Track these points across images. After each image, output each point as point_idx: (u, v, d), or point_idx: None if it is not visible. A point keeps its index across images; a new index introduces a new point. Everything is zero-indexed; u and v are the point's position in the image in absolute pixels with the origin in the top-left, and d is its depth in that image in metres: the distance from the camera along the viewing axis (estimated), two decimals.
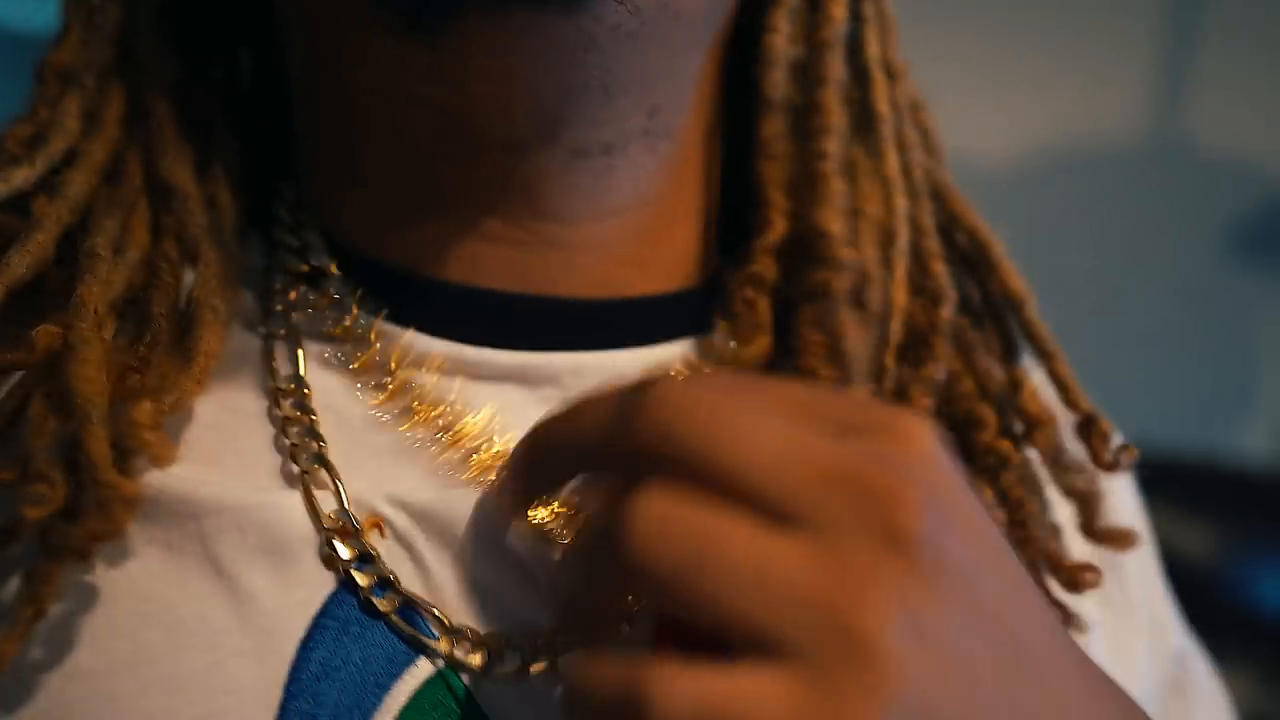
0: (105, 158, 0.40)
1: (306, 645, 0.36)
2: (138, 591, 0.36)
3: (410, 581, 0.38)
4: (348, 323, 0.41)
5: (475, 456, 0.40)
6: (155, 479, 0.37)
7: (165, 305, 0.39)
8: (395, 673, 0.37)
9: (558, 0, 0.36)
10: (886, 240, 0.45)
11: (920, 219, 0.46)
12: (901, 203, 0.45)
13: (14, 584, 0.36)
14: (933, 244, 0.46)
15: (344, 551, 0.37)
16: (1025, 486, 0.44)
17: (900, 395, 0.44)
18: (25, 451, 0.35)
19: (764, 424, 0.31)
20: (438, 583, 0.38)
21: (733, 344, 0.43)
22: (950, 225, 0.48)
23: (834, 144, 0.44)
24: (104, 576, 0.36)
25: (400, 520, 0.38)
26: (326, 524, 0.38)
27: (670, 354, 0.44)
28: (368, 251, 0.42)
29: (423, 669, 0.37)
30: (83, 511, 0.34)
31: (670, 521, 0.30)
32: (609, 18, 0.37)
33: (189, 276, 0.40)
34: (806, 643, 0.28)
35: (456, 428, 0.40)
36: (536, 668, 0.38)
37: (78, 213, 0.39)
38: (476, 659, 0.37)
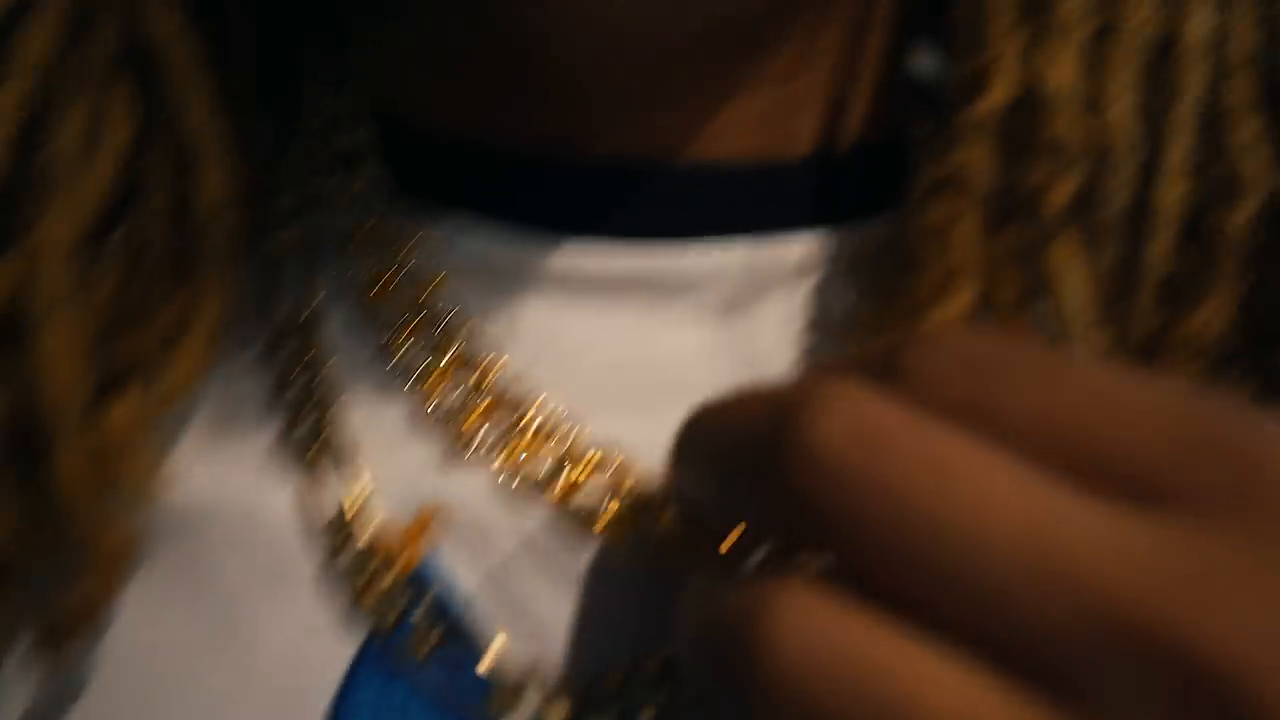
0: (68, 5, 0.28)
1: (342, 702, 0.26)
2: (104, 649, 0.27)
3: (485, 594, 0.27)
4: (377, 220, 0.30)
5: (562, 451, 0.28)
6: None
7: (163, 229, 0.28)
8: None
9: None
10: (1159, 91, 0.28)
11: (1232, 49, 0.29)
12: (1199, 16, 0.28)
13: None
14: (1243, 89, 0.29)
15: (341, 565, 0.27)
16: None
17: (1149, 354, 0.29)
18: None
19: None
20: (523, 595, 0.27)
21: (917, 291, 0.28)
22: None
23: None
24: None
25: (475, 503, 0.27)
26: (324, 529, 0.27)
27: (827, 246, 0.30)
28: (410, 112, 0.30)
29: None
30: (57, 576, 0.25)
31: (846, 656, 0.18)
32: None
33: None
34: None
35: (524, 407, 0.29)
36: (648, 713, 0.27)
37: (34, 97, 0.28)
38: (558, 713, 0.27)
